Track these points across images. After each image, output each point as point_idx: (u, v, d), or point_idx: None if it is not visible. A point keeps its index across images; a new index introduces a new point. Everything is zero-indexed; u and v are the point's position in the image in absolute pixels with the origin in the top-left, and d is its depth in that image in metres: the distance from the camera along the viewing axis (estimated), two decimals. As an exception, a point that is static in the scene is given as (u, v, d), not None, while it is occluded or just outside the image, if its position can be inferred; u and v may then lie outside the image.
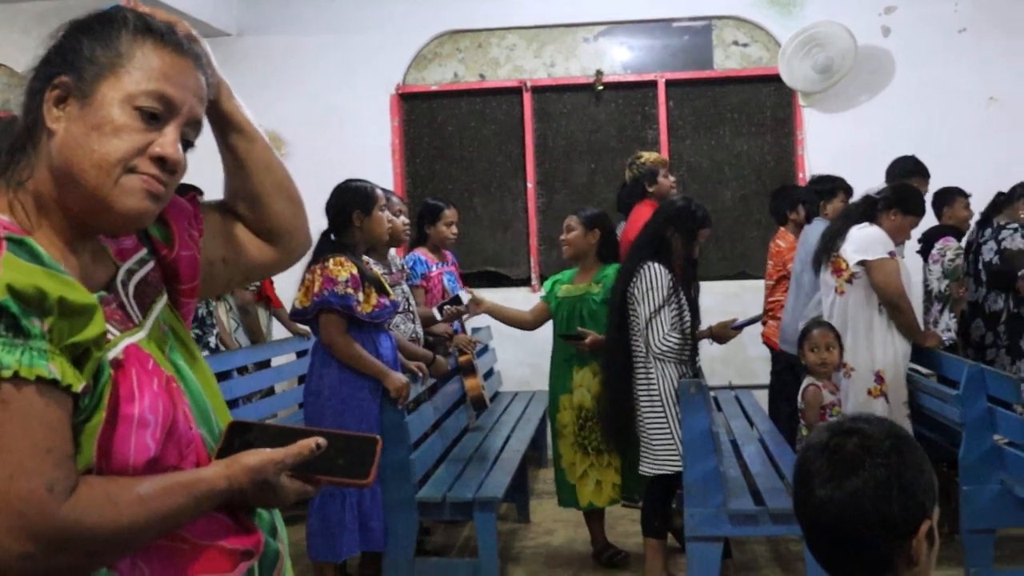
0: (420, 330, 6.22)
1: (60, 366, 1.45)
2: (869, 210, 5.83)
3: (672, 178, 7.04)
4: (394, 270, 6.11)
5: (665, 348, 5.31)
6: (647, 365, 5.40)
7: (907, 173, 6.92)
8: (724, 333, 5.70)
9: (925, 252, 7.26)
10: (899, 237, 5.94)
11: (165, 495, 1.55)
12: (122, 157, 1.58)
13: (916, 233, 7.24)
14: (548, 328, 9.14)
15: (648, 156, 7.14)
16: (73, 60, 1.61)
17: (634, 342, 5.46)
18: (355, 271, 5.13)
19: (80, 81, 1.59)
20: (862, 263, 5.65)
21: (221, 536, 1.67)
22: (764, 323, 7.41)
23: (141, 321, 1.70)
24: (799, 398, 5.40)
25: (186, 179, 1.75)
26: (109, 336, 1.57)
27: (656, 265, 5.39)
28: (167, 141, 1.62)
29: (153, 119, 1.61)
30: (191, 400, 1.70)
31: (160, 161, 1.61)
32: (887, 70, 8.74)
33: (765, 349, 7.76)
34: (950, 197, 7.33)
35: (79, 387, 1.47)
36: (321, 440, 1.68)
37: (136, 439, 1.55)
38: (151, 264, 1.80)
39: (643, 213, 6.79)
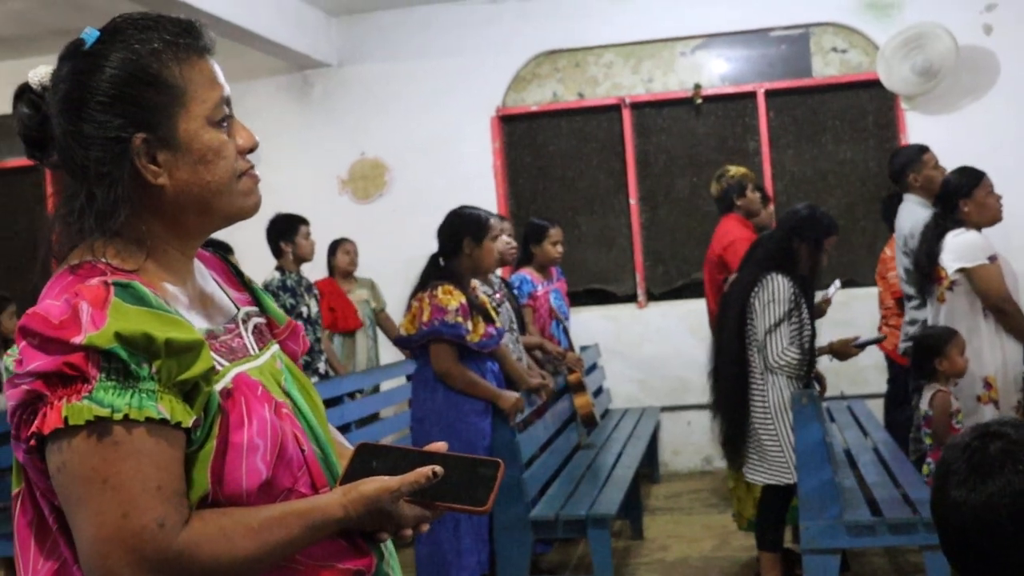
0: (523, 352, 6.21)
1: (169, 405, 1.50)
2: (950, 216, 5.68)
3: (758, 194, 6.98)
4: (496, 289, 6.12)
5: (783, 363, 5.23)
6: (761, 376, 5.35)
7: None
8: (845, 351, 5.61)
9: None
10: (990, 216, 5.66)
11: (279, 526, 1.57)
12: (232, 172, 1.68)
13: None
14: (654, 344, 9.11)
15: (736, 170, 7.12)
16: (135, 115, 1.60)
17: (749, 353, 5.39)
18: (464, 300, 5.13)
19: (156, 132, 1.61)
20: (961, 270, 5.53)
21: (335, 559, 1.68)
22: (880, 329, 7.31)
23: (256, 353, 1.76)
24: (925, 405, 5.28)
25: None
26: (218, 368, 1.62)
27: (780, 276, 5.30)
28: (246, 133, 1.72)
29: (225, 120, 1.69)
30: (303, 423, 1.73)
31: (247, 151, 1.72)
32: (991, 69, 8.54)
33: (877, 358, 7.63)
34: None
35: (189, 422, 1.52)
36: (438, 468, 1.67)
37: (247, 464, 1.58)
38: (264, 320, 1.88)
39: (728, 226, 6.74)
